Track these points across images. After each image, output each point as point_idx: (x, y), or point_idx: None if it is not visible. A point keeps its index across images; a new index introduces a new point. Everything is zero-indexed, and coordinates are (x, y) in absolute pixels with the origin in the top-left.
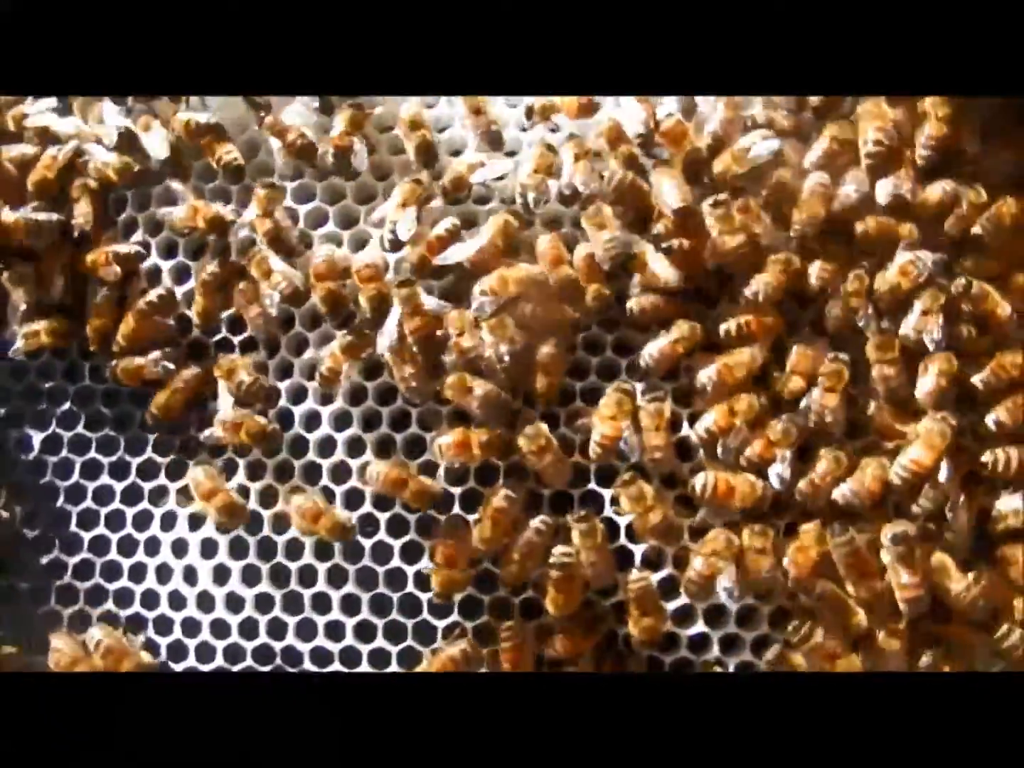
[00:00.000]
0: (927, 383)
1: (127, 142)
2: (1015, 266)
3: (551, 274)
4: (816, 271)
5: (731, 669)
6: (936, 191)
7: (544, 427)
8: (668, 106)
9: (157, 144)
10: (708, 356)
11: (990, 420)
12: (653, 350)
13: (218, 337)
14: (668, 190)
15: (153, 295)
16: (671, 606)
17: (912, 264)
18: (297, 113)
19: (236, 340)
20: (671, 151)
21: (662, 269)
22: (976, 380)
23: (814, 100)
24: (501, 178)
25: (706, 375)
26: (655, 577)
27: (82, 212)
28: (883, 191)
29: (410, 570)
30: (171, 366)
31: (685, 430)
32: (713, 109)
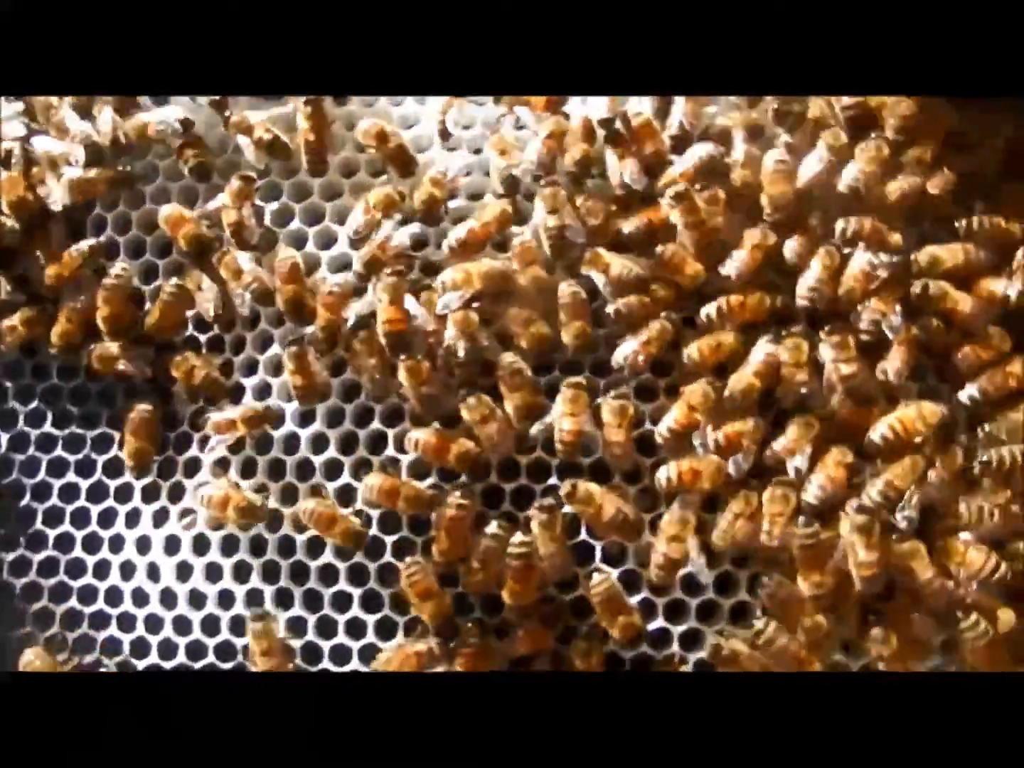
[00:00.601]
0: (894, 361)
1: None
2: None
3: (522, 273)
4: (793, 246)
5: (691, 664)
6: (896, 186)
7: (486, 397)
8: (640, 105)
9: (104, 125)
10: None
11: (965, 395)
12: (627, 351)
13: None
14: (618, 170)
15: (113, 274)
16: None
17: (865, 274)
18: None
19: (203, 338)
20: (637, 148)
21: (618, 266)
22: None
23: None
24: (468, 174)
25: (686, 354)
26: (615, 573)
27: (54, 190)
28: (844, 180)
29: (372, 566)
30: (147, 369)
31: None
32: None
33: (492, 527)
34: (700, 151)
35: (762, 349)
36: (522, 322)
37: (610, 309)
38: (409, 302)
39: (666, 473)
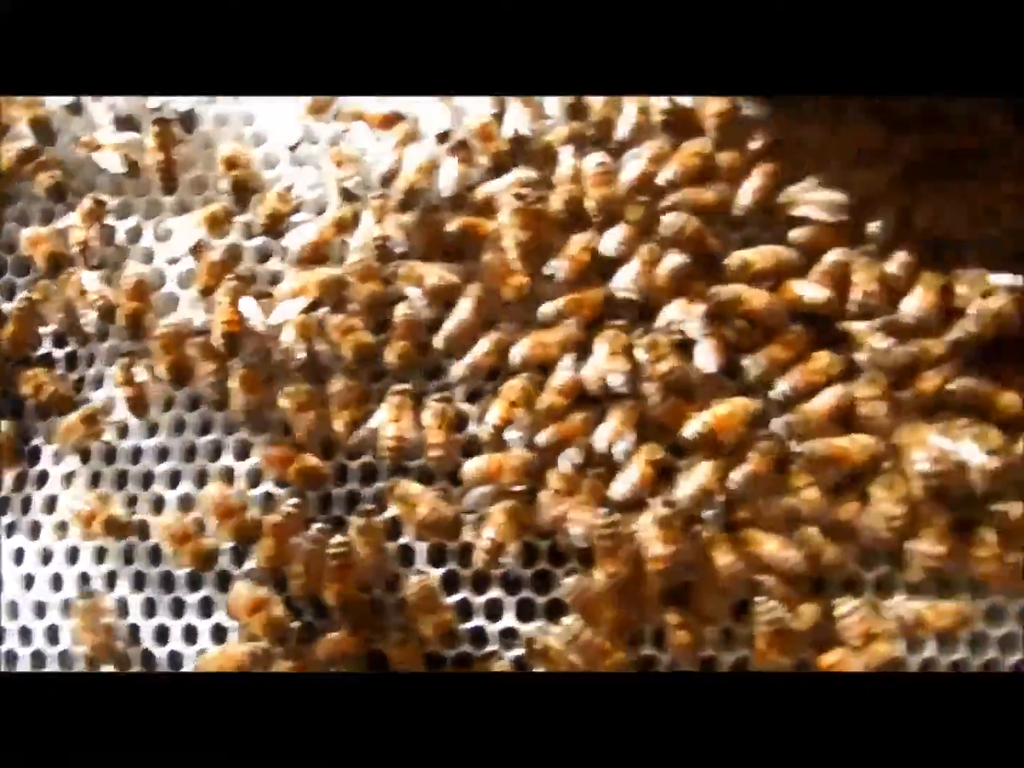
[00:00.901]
0: (702, 358)
1: None
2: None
3: (360, 287)
4: (617, 237)
5: (508, 662)
6: (714, 188)
7: (306, 386)
8: (482, 106)
9: None
10: None
11: (778, 391)
12: (466, 363)
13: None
14: (443, 175)
15: None
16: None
17: (668, 276)
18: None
19: (58, 354)
20: (481, 148)
21: (431, 276)
22: (748, 363)
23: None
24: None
25: (519, 353)
26: (437, 572)
27: None
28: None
29: (209, 574)
30: None
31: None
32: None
33: (313, 530)
34: (520, 174)
35: (567, 366)
36: (343, 330)
37: (437, 343)
38: (246, 304)
39: (474, 464)
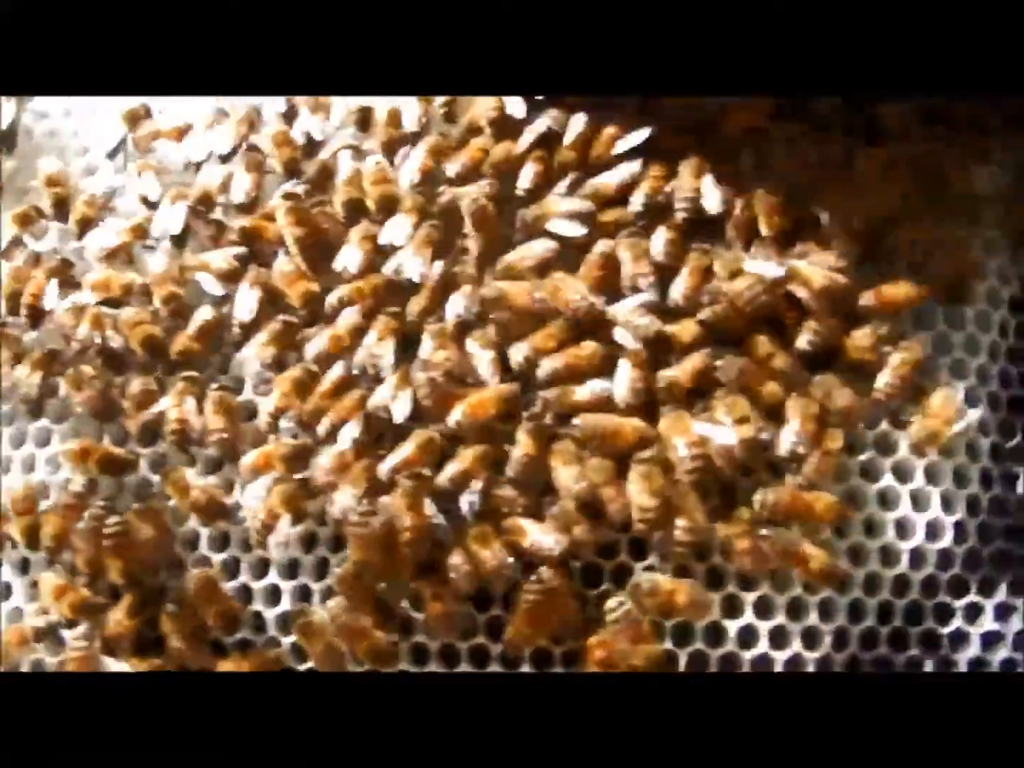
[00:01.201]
0: (482, 357)
1: None
2: None
3: (157, 291)
4: (398, 223)
5: (285, 646)
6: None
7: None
8: (272, 108)
9: None
10: None
11: (542, 373)
12: (251, 352)
13: None
14: (235, 183)
15: None
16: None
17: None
18: None
19: None
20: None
21: (218, 261)
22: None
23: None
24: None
25: (315, 347)
26: (218, 558)
27: None
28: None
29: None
30: None
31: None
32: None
33: (93, 509)
34: (301, 179)
35: (337, 369)
36: (132, 324)
37: (235, 330)
38: (49, 286)
39: (247, 459)
